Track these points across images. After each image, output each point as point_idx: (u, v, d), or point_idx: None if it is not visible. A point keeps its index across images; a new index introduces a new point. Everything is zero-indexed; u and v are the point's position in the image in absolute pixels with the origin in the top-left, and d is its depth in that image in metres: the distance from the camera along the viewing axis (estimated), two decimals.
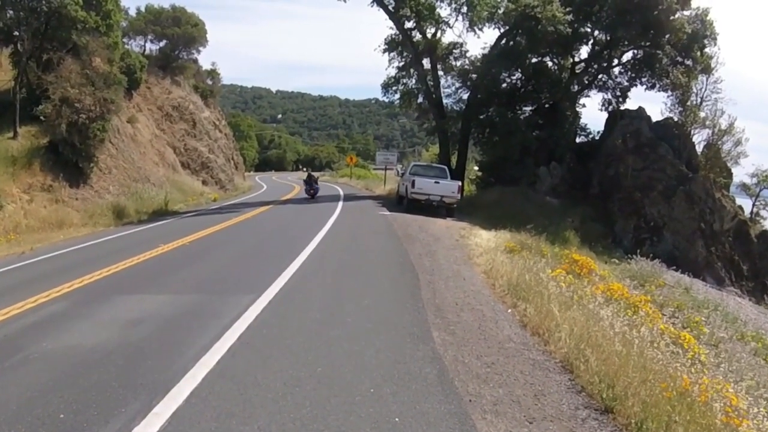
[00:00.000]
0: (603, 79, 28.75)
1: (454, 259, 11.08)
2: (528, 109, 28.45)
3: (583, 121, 29.80)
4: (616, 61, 27.91)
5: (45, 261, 11.67)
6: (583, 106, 30.58)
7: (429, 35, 28.42)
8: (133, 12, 39.34)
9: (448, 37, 29.88)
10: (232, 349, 5.37)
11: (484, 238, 13.71)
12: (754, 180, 30.43)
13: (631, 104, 28.81)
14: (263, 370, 4.87)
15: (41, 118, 19.91)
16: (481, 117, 27.66)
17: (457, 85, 30.37)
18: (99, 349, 5.46)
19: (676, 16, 24.83)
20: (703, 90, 27.27)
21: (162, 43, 40.43)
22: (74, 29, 21.43)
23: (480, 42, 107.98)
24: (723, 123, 27.20)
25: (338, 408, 4.17)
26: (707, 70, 26.52)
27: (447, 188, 19.74)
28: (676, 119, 26.63)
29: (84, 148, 21.00)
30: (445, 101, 30.29)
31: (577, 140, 28.95)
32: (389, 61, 30.08)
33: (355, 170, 59.22)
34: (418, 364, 5.18)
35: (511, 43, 26.63)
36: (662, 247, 21.09)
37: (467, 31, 27.27)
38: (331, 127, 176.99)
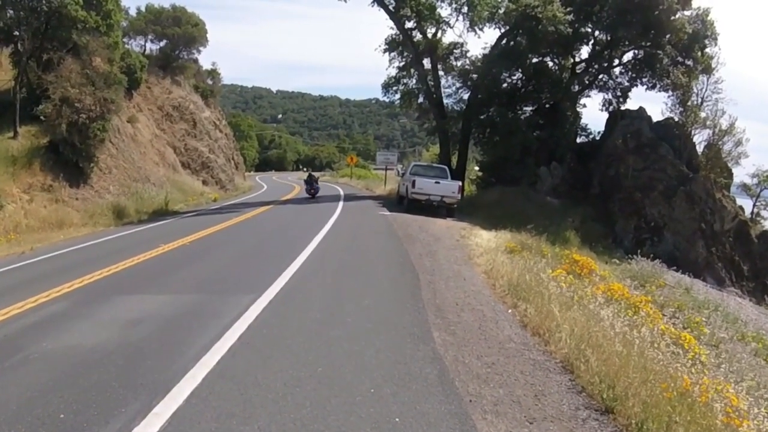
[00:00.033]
0: (603, 79, 28.76)
1: (454, 260, 11.07)
2: (528, 109, 28.42)
3: (583, 121, 29.87)
4: (616, 61, 27.90)
5: (45, 261, 11.67)
6: (584, 106, 30.68)
7: (429, 35, 28.41)
8: (133, 12, 39.44)
9: (448, 37, 29.97)
10: (233, 349, 5.36)
11: (484, 239, 13.71)
12: (755, 180, 30.46)
13: (631, 104, 28.91)
14: (263, 370, 4.87)
15: (41, 117, 19.92)
16: (482, 117, 27.63)
17: (458, 85, 30.42)
18: (99, 349, 5.46)
19: (677, 16, 24.81)
20: (704, 90, 27.34)
21: (162, 43, 40.46)
22: (74, 29, 21.43)
23: (480, 42, 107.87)
24: (724, 123, 27.29)
25: (338, 408, 4.17)
26: (708, 71, 26.54)
27: (447, 188, 19.73)
28: (676, 119, 26.63)
29: (84, 147, 21.01)
30: (445, 101, 30.33)
31: (578, 140, 28.96)
32: (390, 61, 30.14)
33: (356, 170, 59.22)
34: (418, 364, 5.18)
35: (512, 43, 26.61)
36: (663, 248, 21.08)
37: (468, 31, 27.31)
38: (331, 127, 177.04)
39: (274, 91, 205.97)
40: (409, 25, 28.15)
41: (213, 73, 50.30)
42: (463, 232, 15.01)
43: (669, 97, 27.15)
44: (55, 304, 7.36)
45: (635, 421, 4.16)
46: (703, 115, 27.26)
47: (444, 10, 27.49)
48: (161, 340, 5.71)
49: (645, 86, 27.18)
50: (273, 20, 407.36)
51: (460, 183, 21.89)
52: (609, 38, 26.61)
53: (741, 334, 10.52)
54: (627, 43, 26.38)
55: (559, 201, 23.24)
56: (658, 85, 26.55)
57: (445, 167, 23.22)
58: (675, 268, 17.36)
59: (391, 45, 29.51)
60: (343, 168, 70.84)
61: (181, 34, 39.84)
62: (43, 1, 20.49)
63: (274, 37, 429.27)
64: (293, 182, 57.59)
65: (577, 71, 28.39)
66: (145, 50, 39.20)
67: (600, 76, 28.64)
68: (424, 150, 67.84)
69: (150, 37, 39.76)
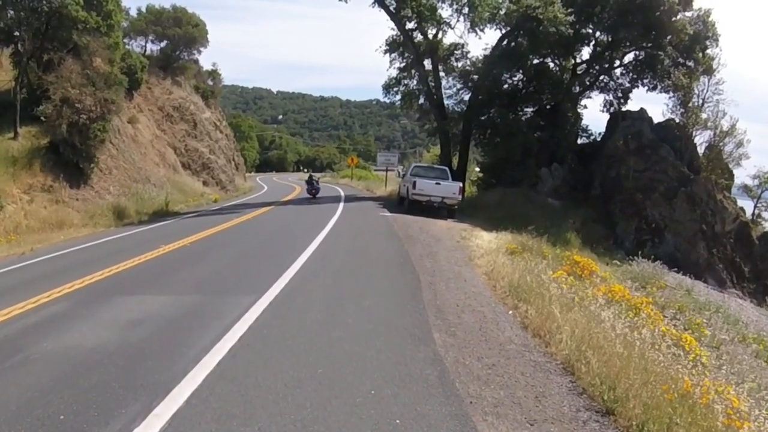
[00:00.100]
0: (604, 81, 28.79)
1: (455, 261, 11.07)
2: (529, 110, 28.41)
3: (584, 122, 29.90)
4: (617, 62, 27.91)
5: (45, 261, 11.67)
6: (585, 107, 30.66)
7: (430, 36, 28.42)
8: (134, 12, 39.47)
9: (449, 37, 30.00)
10: (233, 350, 5.36)
11: (485, 240, 13.70)
12: (756, 182, 30.40)
13: (632, 105, 28.92)
14: (264, 371, 4.86)
15: (42, 118, 19.92)
16: (483, 118, 27.61)
17: (459, 86, 30.41)
18: (99, 349, 5.45)
19: (678, 17, 24.81)
20: (705, 91, 27.36)
21: (163, 44, 40.51)
22: (75, 29, 21.45)
23: (481, 43, 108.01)
24: (725, 124, 27.29)
25: (339, 409, 4.16)
26: (709, 72, 26.55)
27: (448, 189, 19.72)
28: (677, 120, 26.64)
29: (84, 148, 21.01)
30: (446, 102, 30.33)
31: (579, 141, 28.96)
32: (390, 61, 30.13)
33: (356, 171, 59.18)
34: (419, 365, 5.17)
35: (513, 44, 26.63)
36: (663, 249, 21.06)
37: (468, 32, 27.30)
38: (332, 128, 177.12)
39: (275, 92, 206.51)
40: (409, 25, 28.18)
41: (213, 74, 50.37)
42: (463, 233, 15.01)
43: (670, 98, 27.21)
44: (55, 304, 7.35)
45: (636, 422, 4.16)
46: (704, 116, 27.30)
47: (445, 11, 27.57)
48: (162, 341, 5.71)
49: (646, 87, 27.24)
50: (273, 20, 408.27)
51: (461, 184, 21.88)
52: (610, 39, 26.62)
53: (742, 336, 10.50)
54: (628, 44, 26.39)
55: (560, 202, 23.23)
56: (659, 87, 26.56)
57: (446, 168, 23.21)
58: (676, 269, 17.34)
59: (392, 46, 29.53)
60: (343, 169, 70.83)
61: (182, 35, 39.87)
62: (44, 2, 20.50)
63: (274, 37, 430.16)
64: (294, 183, 57.62)
65: (578, 72, 28.39)
66: (145, 51, 39.30)
67: (601, 77, 28.66)
68: (425, 151, 67.79)
69: (150, 37, 39.85)
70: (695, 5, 25.92)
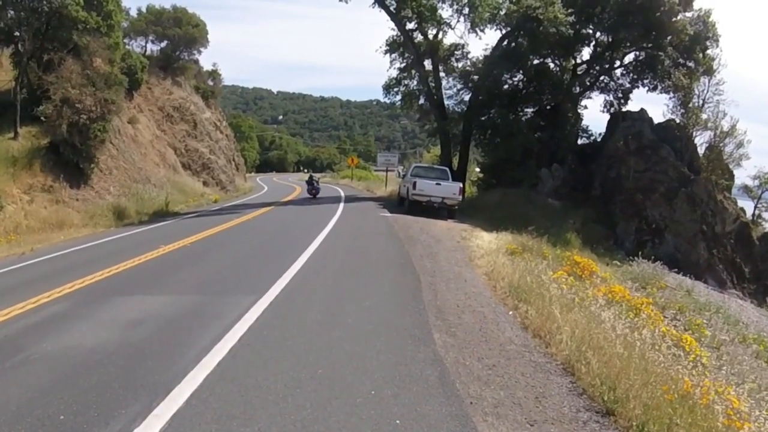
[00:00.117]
0: (605, 81, 28.81)
1: (455, 261, 11.06)
2: (529, 110, 28.42)
3: (584, 122, 29.93)
4: (617, 63, 27.93)
5: (46, 262, 11.68)
6: (585, 107, 30.71)
7: (430, 36, 28.41)
8: (134, 12, 39.49)
9: (449, 38, 29.89)
10: (233, 351, 5.35)
11: (485, 240, 13.70)
12: (756, 182, 30.39)
13: (632, 106, 28.88)
14: (264, 372, 4.86)
15: (42, 118, 19.93)
16: (483, 118, 27.63)
17: (459, 86, 30.44)
18: (99, 349, 5.45)
19: (678, 17, 24.82)
20: (705, 92, 27.35)
21: (163, 44, 40.53)
22: (75, 29, 21.46)
23: (481, 43, 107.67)
24: (725, 125, 27.27)
25: (339, 410, 4.16)
26: (709, 72, 26.55)
27: (448, 190, 19.72)
28: (677, 121, 26.63)
29: (84, 148, 21.02)
30: (446, 102, 30.34)
31: (579, 142, 28.97)
32: (391, 62, 30.13)
33: (357, 172, 59.17)
34: (419, 365, 5.17)
35: (513, 44, 26.64)
36: (664, 250, 21.05)
37: (469, 32, 27.26)
38: (332, 129, 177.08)
39: (275, 92, 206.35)
40: (410, 26, 28.20)
41: (214, 74, 50.39)
42: (464, 233, 15.00)
43: (670, 98, 27.21)
44: (55, 304, 7.35)
45: (636, 423, 4.15)
46: (704, 116, 27.29)
47: (445, 12, 27.55)
48: (162, 341, 5.71)
49: (646, 88, 27.25)
50: (273, 20, 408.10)
51: (461, 184, 21.88)
52: (610, 40, 26.63)
53: (742, 337, 10.50)
54: (628, 44, 26.40)
55: (560, 203, 23.23)
56: (660, 87, 26.57)
57: (446, 169, 23.21)
58: (676, 270, 17.34)
59: (392, 46, 29.53)
60: (343, 169, 70.82)
61: (182, 35, 39.88)
62: (44, 2, 20.51)
63: (274, 37, 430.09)
64: (294, 183, 57.63)
65: (578, 73, 28.40)
66: (145, 51, 39.31)
67: (601, 78, 28.68)
68: (425, 151, 67.78)
69: (151, 37, 39.87)
70: (695, 6, 25.99)
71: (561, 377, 5.17)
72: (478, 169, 34.34)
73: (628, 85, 28.02)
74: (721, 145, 27.47)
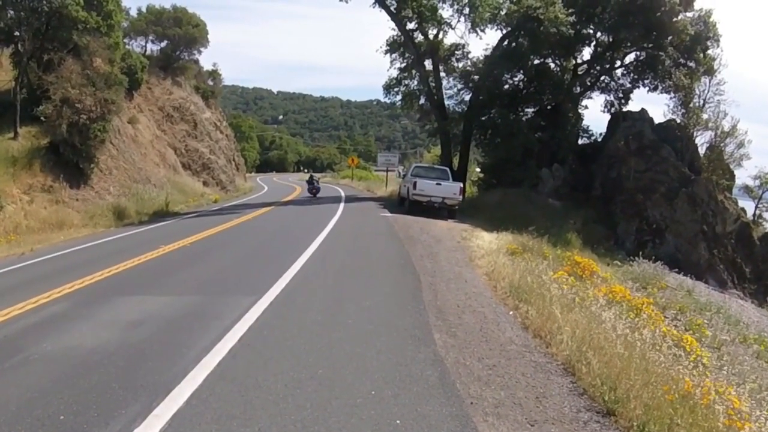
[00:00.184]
0: (605, 81, 28.80)
1: (455, 261, 11.05)
2: (530, 110, 28.41)
3: (585, 122, 29.92)
4: (618, 63, 27.92)
5: (45, 262, 11.67)
6: (586, 107, 30.68)
7: (431, 36, 28.41)
8: (134, 12, 39.50)
9: (450, 38, 29.88)
10: (233, 351, 5.35)
11: (485, 240, 13.69)
12: (757, 182, 30.30)
13: (633, 106, 28.95)
14: (264, 372, 4.85)
15: (42, 118, 19.93)
16: (483, 118, 27.62)
17: (459, 86, 30.41)
18: (99, 350, 5.44)
19: (679, 17, 24.81)
20: (706, 92, 27.27)
21: (163, 44, 40.53)
22: (75, 29, 21.46)
23: (482, 43, 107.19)
24: (726, 125, 27.18)
25: (339, 410, 4.15)
26: (710, 72, 26.50)
27: (449, 190, 19.71)
28: (678, 121, 26.59)
29: (84, 148, 21.02)
30: (446, 102, 30.33)
31: (580, 142, 28.96)
32: (391, 62, 30.12)
33: (357, 172, 59.15)
34: (419, 366, 5.16)
35: (513, 44, 26.63)
36: (664, 250, 21.05)
37: (469, 32, 27.25)
38: (332, 129, 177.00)
39: (275, 92, 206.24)
40: (410, 26, 28.19)
41: (214, 74, 50.39)
42: (464, 233, 14.99)
43: (671, 98, 27.15)
44: (55, 304, 7.35)
45: (637, 423, 4.14)
46: (705, 116, 27.21)
47: (445, 12, 27.52)
48: (162, 342, 5.70)
49: (647, 88, 27.24)
50: (273, 20, 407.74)
51: (462, 184, 21.88)
52: (611, 40, 26.62)
53: (743, 337, 10.49)
54: (629, 44, 26.40)
55: (561, 203, 23.22)
56: (660, 87, 26.55)
57: (447, 169, 23.20)
58: (677, 270, 17.33)
59: (393, 46, 29.53)
60: (344, 169, 70.80)
61: (182, 35, 39.89)
62: (44, 2, 20.52)
63: (274, 37, 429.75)
64: (294, 183, 57.65)
65: (579, 73, 28.39)
66: (145, 51, 39.31)
67: (602, 78, 28.67)
68: (426, 151, 67.79)
69: (151, 37, 39.87)
70: (696, 6, 25.97)
71: (561, 377, 5.16)
72: (478, 169, 34.35)
73: (628, 85, 28.04)
74: (721, 145, 27.44)
